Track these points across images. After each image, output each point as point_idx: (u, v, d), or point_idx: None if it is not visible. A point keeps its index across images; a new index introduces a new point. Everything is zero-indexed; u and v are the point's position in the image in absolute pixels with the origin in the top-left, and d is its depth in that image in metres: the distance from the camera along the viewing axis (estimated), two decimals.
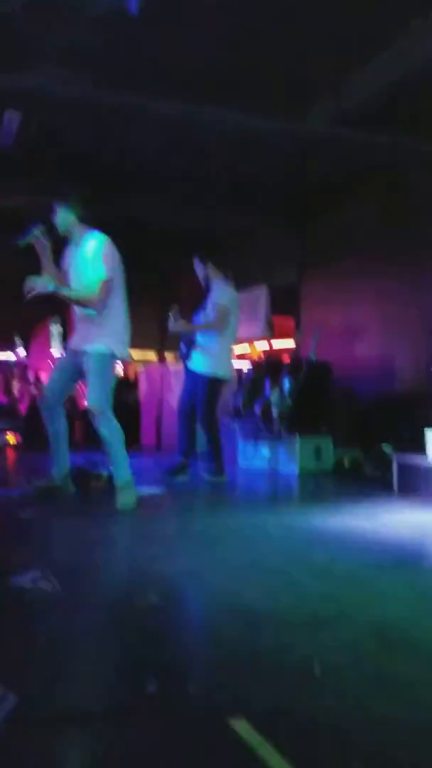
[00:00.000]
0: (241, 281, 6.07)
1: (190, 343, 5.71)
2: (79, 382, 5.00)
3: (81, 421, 10.73)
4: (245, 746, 1.37)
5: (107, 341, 4.39)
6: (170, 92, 5.58)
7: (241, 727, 1.44)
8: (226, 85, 5.58)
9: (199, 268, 5.82)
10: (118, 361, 4.72)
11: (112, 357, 4.45)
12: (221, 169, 7.72)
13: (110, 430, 4.41)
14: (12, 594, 2.32)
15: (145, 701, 1.54)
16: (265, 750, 1.35)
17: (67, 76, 5.33)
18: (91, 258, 4.38)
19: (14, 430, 9.41)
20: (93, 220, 4.59)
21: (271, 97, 5.74)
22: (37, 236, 4.45)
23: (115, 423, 4.43)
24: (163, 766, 1.31)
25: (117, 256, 4.45)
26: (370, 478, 6.02)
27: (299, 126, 6.02)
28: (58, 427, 4.62)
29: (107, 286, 4.34)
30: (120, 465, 4.42)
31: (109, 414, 4.42)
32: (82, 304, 4.42)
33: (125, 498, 4.28)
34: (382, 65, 5.17)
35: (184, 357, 5.78)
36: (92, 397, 4.42)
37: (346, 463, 6.53)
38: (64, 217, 4.48)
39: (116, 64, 5.31)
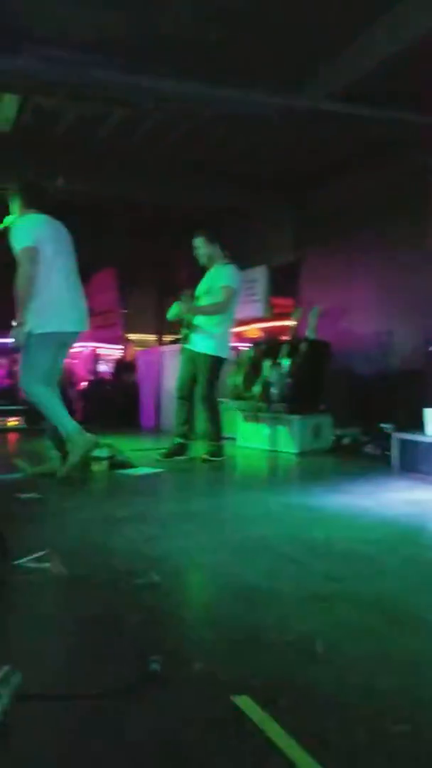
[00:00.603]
0: (240, 261, 6.04)
1: (190, 324, 5.70)
2: (71, 363, 5.16)
3: (80, 401, 10.78)
4: (249, 722, 1.39)
5: (28, 319, 4.44)
6: (165, 69, 5.52)
7: (244, 703, 1.46)
8: (220, 62, 5.52)
9: (203, 247, 5.80)
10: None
11: (32, 335, 4.45)
12: (217, 148, 7.66)
13: (40, 402, 4.55)
14: (16, 575, 2.34)
15: (148, 679, 1.56)
16: (269, 725, 1.37)
17: (61, 57, 5.27)
18: (17, 233, 4.50)
19: (16, 413, 9.42)
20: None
21: (266, 73, 5.68)
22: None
23: (43, 398, 4.53)
24: (168, 744, 1.33)
25: (55, 233, 4.60)
26: (369, 457, 6.04)
27: (295, 102, 5.95)
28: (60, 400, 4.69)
29: (27, 254, 4.41)
30: (61, 421, 4.52)
31: (35, 391, 4.53)
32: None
33: (81, 444, 4.44)
34: (377, 39, 5.10)
35: (184, 339, 5.77)
36: (20, 376, 4.66)
37: (346, 441, 6.54)
38: (11, 204, 4.70)
39: (108, 41, 5.24)
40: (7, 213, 4.82)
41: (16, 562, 2.45)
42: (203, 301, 5.70)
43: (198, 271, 5.98)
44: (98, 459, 4.94)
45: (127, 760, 1.27)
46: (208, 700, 1.50)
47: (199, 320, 5.67)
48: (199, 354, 5.63)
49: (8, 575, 2.28)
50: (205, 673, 1.63)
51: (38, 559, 2.50)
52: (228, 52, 5.43)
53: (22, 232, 4.51)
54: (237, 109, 6.16)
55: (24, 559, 2.48)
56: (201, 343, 5.63)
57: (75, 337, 4.83)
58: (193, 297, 5.75)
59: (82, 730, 1.38)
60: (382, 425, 6.12)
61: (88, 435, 4.54)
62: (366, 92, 5.76)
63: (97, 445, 4.62)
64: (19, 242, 4.48)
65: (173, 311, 5.81)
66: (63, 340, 4.70)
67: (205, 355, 5.60)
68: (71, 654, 1.77)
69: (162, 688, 1.54)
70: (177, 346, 5.91)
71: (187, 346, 5.73)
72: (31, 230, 4.53)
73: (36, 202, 4.70)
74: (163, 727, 1.39)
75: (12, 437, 8.31)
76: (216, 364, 5.65)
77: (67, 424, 4.55)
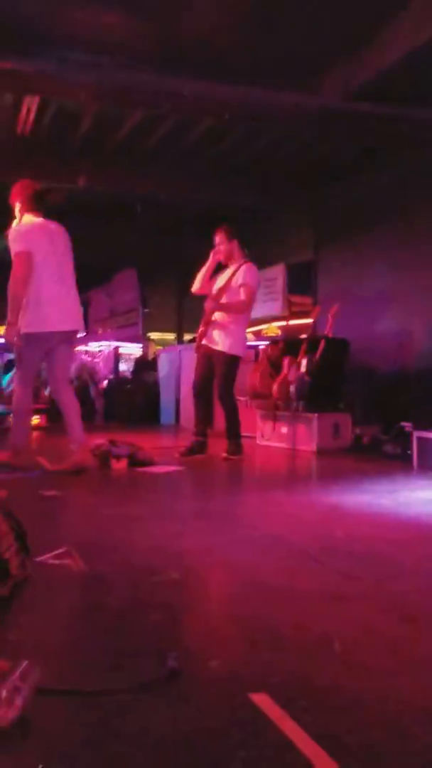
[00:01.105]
0: (258, 260, 6.04)
1: (207, 322, 5.71)
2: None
3: (101, 400, 10.85)
4: (267, 720, 1.40)
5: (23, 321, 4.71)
6: (184, 70, 5.53)
7: (263, 701, 1.46)
8: (238, 61, 5.53)
9: (223, 243, 5.80)
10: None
11: (22, 335, 4.70)
12: (236, 147, 7.67)
13: (14, 404, 5.02)
14: (36, 571, 2.36)
15: (167, 676, 1.57)
16: (287, 724, 1.38)
17: (81, 58, 5.30)
18: (13, 237, 4.78)
19: (39, 411, 9.51)
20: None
21: (283, 72, 5.68)
22: None
23: (19, 402, 4.93)
24: (186, 741, 1.34)
25: (49, 237, 4.80)
26: (389, 455, 6.01)
27: (312, 101, 5.94)
28: (62, 403, 4.98)
29: (21, 258, 4.66)
30: (18, 429, 4.96)
31: (17, 393, 4.96)
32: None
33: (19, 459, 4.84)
34: (395, 37, 5.08)
35: (200, 336, 5.78)
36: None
37: (365, 440, 6.52)
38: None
39: (128, 42, 5.27)
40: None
41: (37, 559, 2.47)
42: (222, 300, 5.70)
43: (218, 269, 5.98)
44: (118, 456, 4.97)
45: (145, 756, 1.29)
46: (227, 697, 1.51)
47: (217, 317, 5.67)
48: (216, 352, 5.64)
49: (29, 572, 2.30)
50: (224, 671, 1.64)
51: (59, 556, 2.53)
52: (246, 53, 5.44)
53: (18, 237, 4.76)
54: (255, 109, 6.16)
55: (45, 556, 2.51)
56: (218, 341, 5.64)
57: (67, 336, 4.94)
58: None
59: (101, 725, 1.40)
60: (402, 423, 6.09)
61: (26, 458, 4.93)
62: (384, 90, 5.73)
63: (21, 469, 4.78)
64: (14, 246, 4.73)
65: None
66: (51, 339, 4.83)
67: (223, 354, 5.61)
68: (90, 650, 1.79)
69: (180, 684, 1.55)
70: (195, 345, 5.91)
71: (205, 343, 5.74)
72: (26, 235, 4.77)
73: (35, 206, 4.91)
74: (181, 723, 1.40)
75: (34, 435, 8.36)
76: (233, 362, 5.66)
77: (20, 436, 4.95)
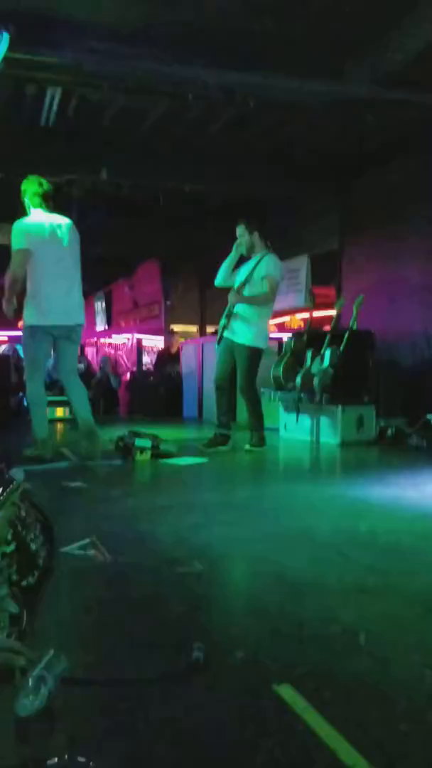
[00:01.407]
0: (281, 251, 6.01)
1: (230, 315, 5.70)
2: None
3: (124, 392, 10.89)
4: (291, 712, 1.39)
5: (24, 313, 5.01)
6: (209, 59, 5.50)
7: (287, 693, 1.46)
8: (264, 49, 5.48)
9: (244, 236, 5.78)
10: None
11: (25, 327, 5.03)
12: (261, 137, 7.63)
13: (27, 397, 5.28)
14: (62, 562, 2.38)
15: (192, 667, 1.57)
16: (311, 715, 1.38)
17: (104, 48, 5.29)
18: (15, 234, 4.95)
19: (63, 403, 9.58)
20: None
21: (310, 59, 5.62)
22: None
23: (31, 395, 5.15)
24: (211, 732, 1.35)
25: (51, 234, 4.98)
26: (414, 448, 5.97)
27: (339, 88, 5.88)
28: (69, 395, 5.30)
29: (18, 256, 4.91)
30: (36, 421, 5.07)
31: (29, 387, 5.14)
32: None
33: (40, 450, 4.95)
34: (425, 20, 5.00)
35: (222, 328, 5.77)
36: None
37: (390, 433, 6.48)
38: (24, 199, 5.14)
39: (152, 32, 5.25)
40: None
41: (62, 550, 2.49)
42: (243, 291, 5.69)
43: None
44: (141, 448, 4.99)
45: (169, 746, 1.29)
46: (251, 688, 1.51)
47: (239, 310, 5.66)
48: (238, 344, 5.63)
49: (55, 562, 2.32)
50: (248, 662, 1.64)
51: (84, 547, 2.54)
52: (272, 40, 5.39)
53: (19, 235, 4.94)
54: (281, 98, 6.11)
55: (70, 547, 2.53)
56: (240, 334, 5.63)
57: (69, 331, 5.08)
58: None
59: (126, 715, 1.41)
60: (427, 416, 6.05)
61: (47, 450, 5.02)
62: (414, 75, 5.65)
63: (42, 461, 4.82)
64: (14, 243, 4.94)
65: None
66: (51, 333, 5.02)
67: (245, 346, 5.60)
68: (115, 640, 1.80)
69: (205, 675, 1.56)
70: (217, 337, 5.90)
71: (226, 335, 5.73)
72: (26, 233, 4.94)
73: (41, 201, 5.07)
74: (205, 714, 1.41)
75: (59, 427, 8.43)
76: (255, 354, 5.65)
77: (38, 428, 5.03)
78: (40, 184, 5.11)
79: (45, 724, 1.34)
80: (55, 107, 6.76)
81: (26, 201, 5.11)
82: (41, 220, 5.02)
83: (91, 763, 1.05)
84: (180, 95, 6.18)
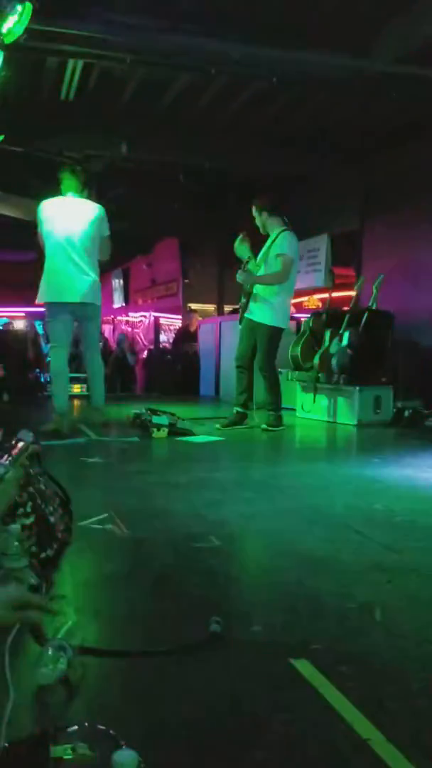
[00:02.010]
0: (301, 229, 5.95)
1: (249, 294, 5.67)
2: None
3: (141, 370, 10.91)
4: (308, 686, 1.41)
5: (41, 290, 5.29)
6: (231, 33, 5.43)
7: (303, 667, 1.47)
8: (285, 22, 5.39)
9: (259, 216, 5.74)
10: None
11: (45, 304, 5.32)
12: (283, 114, 7.53)
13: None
14: (80, 535, 2.40)
15: (209, 640, 1.59)
16: (327, 689, 1.39)
17: (126, 21, 5.24)
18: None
19: (80, 381, 9.63)
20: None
21: (332, 34, 5.52)
22: None
23: (52, 365, 5.48)
24: (227, 703, 1.36)
25: (66, 215, 5.23)
26: (430, 430, 5.95)
27: (363, 64, 5.78)
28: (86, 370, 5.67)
29: (39, 239, 5.30)
30: (55, 391, 5.38)
31: (51, 356, 5.54)
32: None
33: (56, 421, 5.15)
34: None
35: (243, 308, 5.75)
36: None
37: (407, 414, 6.45)
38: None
39: (173, 5, 5.18)
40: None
41: (80, 524, 2.52)
42: (261, 271, 5.66)
43: (261, 240, 5.91)
44: (159, 426, 5.01)
45: (186, 717, 1.31)
46: (268, 662, 1.52)
47: (258, 290, 5.63)
48: (258, 324, 5.61)
49: (72, 536, 2.34)
50: (265, 636, 1.66)
51: (101, 521, 2.57)
52: (295, 13, 5.30)
53: (38, 216, 5.31)
54: (303, 73, 6.02)
55: (88, 521, 2.55)
56: (260, 313, 5.61)
57: (82, 308, 5.27)
58: (252, 261, 5.70)
59: (143, 685, 1.42)
60: None
61: (64, 419, 5.24)
62: None
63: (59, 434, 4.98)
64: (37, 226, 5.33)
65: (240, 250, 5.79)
66: (65, 310, 5.24)
67: (264, 325, 5.58)
68: (133, 613, 1.81)
69: (222, 648, 1.57)
70: (237, 316, 5.88)
71: (247, 315, 5.71)
72: (41, 216, 5.27)
73: (74, 188, 5.34)
74: (222, 686, 1.42)
75: (76, 404, 8.46)
76: (275, 334, 5.62)
77: (57, 401, 5.26)
78: (73, 171, 5.42)
79: (64, 693, 1.36)
80: (75, 81, 6.71)
81: (63, 183, 5.37)
82: (59, 203, 5.29)
83: (111, 732, 1.07)
84: (202, 69, 6.10)
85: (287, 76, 6.09)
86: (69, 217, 5.21)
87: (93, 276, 5.27)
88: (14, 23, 4.45)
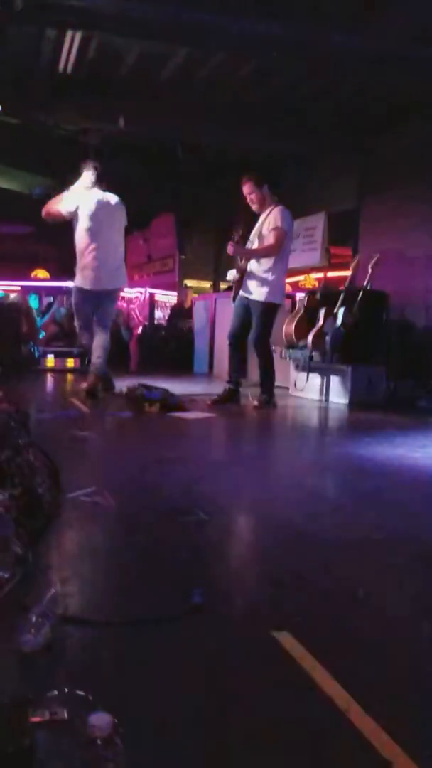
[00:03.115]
0: (298, 208, 5.92)
1: (244, 271, 5.64)
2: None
3: (135, 346, 10.90)
4: (289, 657, 1.42)
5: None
6: (229, 5, 5.35)
7: (285, 639, 1.49)
8: None
9: (253, 192, 5.68)
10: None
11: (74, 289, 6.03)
12: (280, 90, 7.46)
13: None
14: (68, 507, 2.41)
15: (192, 610, 1.60)
16: (309, 662, 1.40)
17: None
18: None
19: (74, 355, 9.64)
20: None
21: (336, 9, 5.46)
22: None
23: (81, 341, 6.43)
24: (207, 673, 1.37)
25: (98, 207, 5.75)
26: (423, 410, 5.96)
27: (362, 43, 5.72)
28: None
29: (66, 216, 5.78)
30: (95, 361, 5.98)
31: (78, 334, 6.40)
32: None
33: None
34: None
35: (236, 284, 5.73)
36: None
37: (400, 394, 6.46)
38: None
39: None
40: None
41: (68, 496, 2.52)
42: (254, 246, 5.62)
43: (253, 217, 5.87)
44: (151, 401, 5.01)
45: (167, 687, 1.32)
46: (250, 634, 1.54)
47: (252, 266, 5.60)
48: (252, 301, 5.59)
49: (61, 508, 2.35)
50: (248, 609, 1.67)
51: (90, 494, 2.57)
52: None
53: (73, 195, 5.80)
54: (302, 50, 5.96)
55: (76, 493, 2.56)
56: (255, 290, 5.58)
57: (108, 293, 5.97)
58: (245, 240, 5.67)
59: (127, 655, 1.44)
60: None
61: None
62: None
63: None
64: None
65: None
66: (89, 295, 5.88)
67: (259, 302, 5.56)
68: (117, 583, 1.83)
69: (204, 619, 1.58)
70: (231, 293, 5.86)
71: (242, 293, 5.68)
72: (78, 197, 5.77)
73: (97, 183, 5.83)
74: (203, 656, 1.43)
75: (69, 377, 8.47)
76: (270, 310, 5.61)
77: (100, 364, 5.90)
78: (95, 168, 5.87)
79: (46, 661, 1.37)
80: (74, 53, 6.62)
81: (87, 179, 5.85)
82: (90, 194, 5.80)
83: (89, 697, 1.08)
84: (201, 44, 6.03)
85: (286, 53, 6.02)
86: (107, 213, 5.82)
87: (117, 262, 6.06)
88: None
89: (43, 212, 5.82)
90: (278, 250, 5.56)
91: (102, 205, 5.79)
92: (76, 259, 5.92)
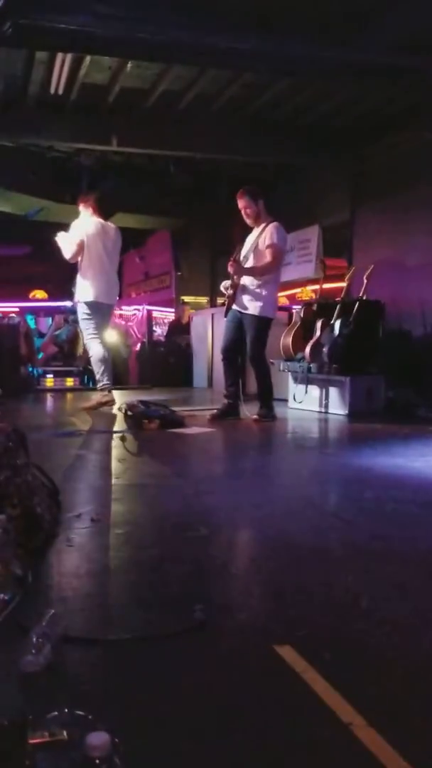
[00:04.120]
0: (292, 221, 5.95)
1: (236, 285, 5.65)
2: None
3: (134, 362, 10.91)
4: (292, 671, 1.41)
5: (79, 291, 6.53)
6: (219, 24, 5.40)
7: (287, 653, 1.48)
8: (273, 12, 5.37)
9: (249, 206, 5.69)
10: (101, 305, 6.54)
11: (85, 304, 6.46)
12: (271, 103, 7.52)
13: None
14: (68, 526, 2.40)
15: (193, 627, 1.59)
16: (311, 675, 1.39)
17: (115, 14, 5.21)
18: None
19: (74, 374, 9.67)
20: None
21: (321, 24, 5.51)
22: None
23: (91, 351, 6.59)
24: (210, 689, 1.36)
25: (102, 233, 6.45)
26: (422, 419, 5.96)
27: (352, 54, 5.77)
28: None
29: (79, 246, 6.34)
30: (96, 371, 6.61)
31: (87, 345, 6.75)
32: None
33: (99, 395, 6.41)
34: None
35: (229, 299, 5.73)
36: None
37: (398, 404, 6.46)
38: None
39: None
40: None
41: (68, 515, 2.52)
42: (249, 262, 5.64)
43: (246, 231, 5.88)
44: (151, 417, 5.01)
45: (169, 704, 1.31)
46: (252, 648, 1.53)
47: (245, 281, 5.61)
48: (246, 315, 5.60)
49: (61, 527, 2.34)
50: (250, 623, 1.66)
51: (89, 512, 2.57)
52: (285, 3, 5.28)
53: (77, 229, 6.39)
54: (294, 64, 6.00)
55: (75, 512, 2.55)
56: (248, 304, 5.59)
57: (111, 308, 6.84)
58: (240, 258, 5.69)
59: (127, 673, 1.43)
60: None
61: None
62: (427, 42, 5.53)
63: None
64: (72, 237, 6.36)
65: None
66: (101, 309, 6.48)
67: (252, 316, 5.57)
68: (118, 601, 1.82)
69: (206, 636, 1.57)
70: (224, 309, 5.87)
71: (234, 308, 5.69)
72: (82, 228, 6.41)
73: (99, 212, 6.55)
74: (206, 673, 1.42)
75: (69, 397, 8.47)
76: (264, 324, 5.62)
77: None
78: (97, 199, 6.60)
79: (48, 680, 1.36)
80: (65, 74, 6.68)
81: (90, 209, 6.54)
82: (95, 221, 6.49)
83: (89, 717, 1.07)
84: (191, 61, 6.08)
85: (275, 68, 6.08)
86: (107, 238, 6.49)
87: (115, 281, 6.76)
88: None
89: (70, 258, 6.36)
90: (276, 268, 5.61)
91: (104, 232, 6.47)
92: (76, 279, 6.53)
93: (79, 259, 6.38)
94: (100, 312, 6.48)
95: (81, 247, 6.32)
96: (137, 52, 5.90)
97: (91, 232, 6.38)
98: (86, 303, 6.40)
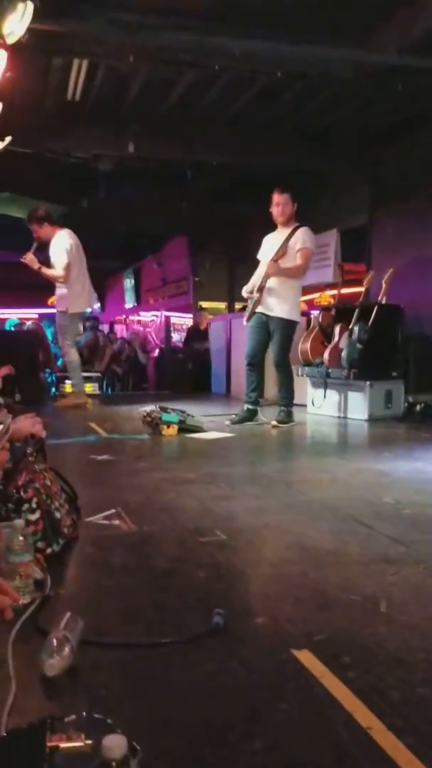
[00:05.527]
0: (310, 225, 5.93)
1: (262, 289, 5.64)
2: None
3: (153, 369, 10.95)
4: (310, 676, 1.40)
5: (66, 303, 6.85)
6: (232, 28, 5.41)
7: (306, 658, 1.47)
8: (290, 17, 5.37)
9: (287, 204, 5.71)
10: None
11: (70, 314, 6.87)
12: (288, 108, 7.51)
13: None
14: (87, 530, 2.41)
15: (212, 631, 1.59)
16: (330, 680, 1.39)
17: (129, 19, 5.24)
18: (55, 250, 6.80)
19: (93, 380, 9.72)
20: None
21: (335, 26, 5.49)
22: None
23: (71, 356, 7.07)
24: (229, 694, 1.36)
25: (66, 243, 6.72)
26: None
27: (367, 57, 5.75)
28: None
29: (69, 269, 6.74)
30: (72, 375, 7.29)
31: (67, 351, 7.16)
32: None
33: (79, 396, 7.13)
34: None
35: (252, 305, 5.73)
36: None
37: (418, 408, 6.41)
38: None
39: (176, 2, 5.18)
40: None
41: (87, 519, 2.53)
42: (282, 263, 5.63)
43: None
44: (169, 423, 5.01)
45: (188, 708, 1.31)
46: (271, 653, 1.52)
47: (273, 284, 5.60)
48: (273, 318, 5.60)
49: (80, 531, 2.35)
50: (269, 628, 1.65)
51: (108, 517, 2.57)
52: (298, 7, 5.27)
53: (61, 248, 6.69)
54: (309, 67, 6.00)
55: (95, 517, 2.56)
56: (276, 307, 5.60)
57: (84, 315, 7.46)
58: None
59: (146, 677, 1.43)
60: None
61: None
62: None
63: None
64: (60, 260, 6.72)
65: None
66: (82, 317, 7.25)
67: (280, 319, 5.58)
68: (138, 605, 1.82)
69: (225, 640, 1.57)
70: (248, 313, 5.86)
71: (260, 311, 5.68)
72: (67, 246, 6.69)
73: (54, 223, 6.86)
74: (225, 677, 1.42)
75: (88, 402, 8.48)
76: (291, 327, 5.65)
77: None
78: (47, 213, 6.97)
79: (68, 684, 1.37)
80: (81, 81, 6.72)
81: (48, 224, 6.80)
82: (69, 233, 6.81)
83: (108, 721, 1.07)
84: (206, 66, 6.09)
85: (291, 71, 6.07)
86: (79, 245, 6.84)
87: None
88: (16, 23, 4.45)
89: (64, 280, 6.72)
90: (305, 272, 5.71)
91: (76, 242, 6.83)
92: (57, 289, 6.96)
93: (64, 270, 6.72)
94: (81, 320, 7.26)
95: (70, 268, 6.67)
96: (152, 57, 5.94)
97: (71, 247, 6.70)
98: (77, 314, 6.92)
